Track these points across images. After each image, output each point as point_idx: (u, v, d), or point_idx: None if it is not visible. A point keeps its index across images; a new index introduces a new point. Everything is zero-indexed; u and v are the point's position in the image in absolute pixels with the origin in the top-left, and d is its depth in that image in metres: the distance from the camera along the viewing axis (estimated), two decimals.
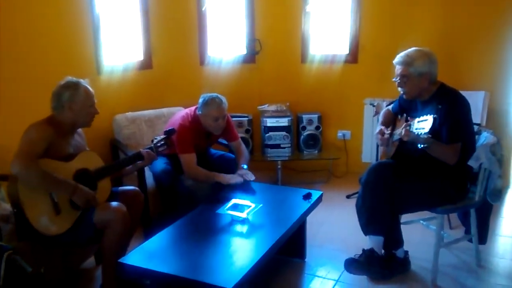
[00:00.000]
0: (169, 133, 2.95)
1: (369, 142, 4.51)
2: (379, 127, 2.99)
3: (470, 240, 2.97)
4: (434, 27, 4.16)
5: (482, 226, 2.96)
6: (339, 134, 4.70)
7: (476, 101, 3.77)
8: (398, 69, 2.73)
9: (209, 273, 2.20)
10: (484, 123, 3.83)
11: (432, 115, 2.34)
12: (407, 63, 2.67)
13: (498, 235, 3.42)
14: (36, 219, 2.35)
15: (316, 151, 4.51)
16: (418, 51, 2.70)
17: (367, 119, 4.49)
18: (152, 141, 2.87)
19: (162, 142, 2.87)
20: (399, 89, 2.78)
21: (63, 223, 2.43)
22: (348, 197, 4.12)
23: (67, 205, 2.45)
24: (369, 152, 4.53)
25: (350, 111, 4.61)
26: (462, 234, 3.17)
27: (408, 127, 2.47)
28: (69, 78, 2.56)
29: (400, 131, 2.56)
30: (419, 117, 2.47)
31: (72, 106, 2.51)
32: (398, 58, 2.74)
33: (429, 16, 4.19)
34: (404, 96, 2.81)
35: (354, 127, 4.63)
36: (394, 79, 2.78)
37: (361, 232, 2.84)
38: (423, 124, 2.37)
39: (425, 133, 2.35)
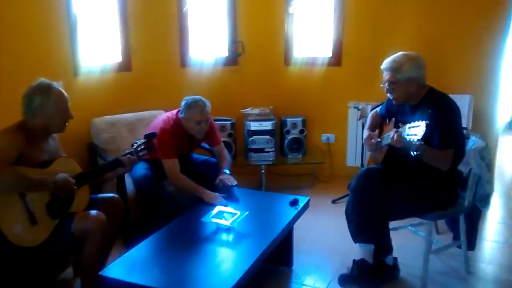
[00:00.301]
0: (149, 136, 2.82)
1: (353, 145, 4.46)
2: (366, 132, 2.92)
3: (459, 246, 2.93)
4: (418, 30, 4.13)
5: (471, 232, 2.93)
6: (323, 137, 4.64)
7: (462, 104, 3.72)
8: (386, 75, 2.67)
9: (195, 286, 2.10)
10: (470, 127, 3.81)
11: (424, 121, 2.28)
12: (395, 68, 2.61)
13: (484, 239, 3.40)
14: (10, 230, 2.21)
15: (300, 155, 4.43)
16: (405, 55, 2.64)
17: (351, 123, 4.44)
18: (132, 145, 2.75)
19: (143, 147, 2.74)
20: (388, 94, 2.72)
21: (40, 234, 2.29)
22: (333, 202, 4.06)
23: (44, 215, 2.31)
24: (353, 156, 4.47)
25: (334, 115, 4.55)
26: (449, 240, 3.14)
27: (399, 133, 2.41)
28: (41, 80, 2.41)
29: (390, 136, 2.49)
30: (409, 122, 2.42)
31: (43, 113, 2.36)
32: (385, 64, 2.68)
33: (414, 19, 4.16)
34: (394, 102, 2.75)
35: (338, 130, 4.57)
36: (382, 85, 2.72)
37: (349, 238, 2.76)
38: (415, 130, 2.31)
39: (417, 140, 2.29)
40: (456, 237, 2.99)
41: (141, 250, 2.37)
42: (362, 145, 4.23)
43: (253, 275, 2.25)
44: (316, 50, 4.55)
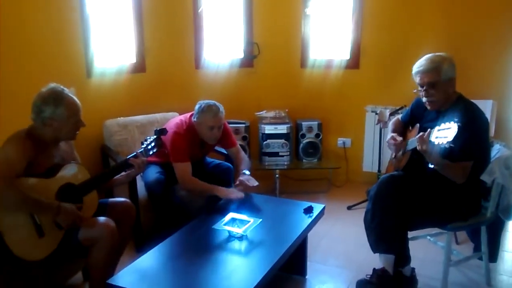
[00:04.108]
0: (160, 132, 2.70)
1: (370, 150, 4.36)
2: (390, 134, 2.80)
3: (480, 258, 2.82)
4: (439, 34, 4.01)
5: (493, 244, 2.81)
6: (339, 141, 4.54)
7: (484, 110, 3.59)
8: (423, 77, 2.49)
9: None
10: (492, 134, 3.67)
11: (456, 123, 2.13)
12: (435, 69, 2.45)
13: (505, 251, 3.27)
14: (17, 244, 2.15)
15: (316, 160, 4.35)
16: (438, 56, 2.51)
17: (369, 127, 4.34)
18: (142, 143, 2.66)
19: (153, 144, 2.64)
20: (424, 99, 2.56)
21: (47, 246, 2.23)
22: (349, 208, 3.96)
23: (51, 226, 2.24)
24: (370, 161, 4.37)
25: (351, 118, 4.46)
26: (469, 250, 3.03)
27: (426, 136, 2.27)
28: (52, 86, 2.32)
29: (415, 139, 2.37)
30: (435, 126, 2.28)
31: (54, 124, 2.29)
32: (420, 67, 2.50)
33: (435, 22, 4.04)
34: (429, 107, 2.58)
35: (355, 134, 4.47)
36: (415, 91, 2.57)
37: (365, 247, 2.67)
38: (445, 132, 2.16)
39: (447, 143, 2.14)
40: (477, 248, 2.88)
41: (150, 258, 2.31)
42: (380, 150, 4.13)
43: (266, 285, 2.18)
44: (333, 52, 4.46)
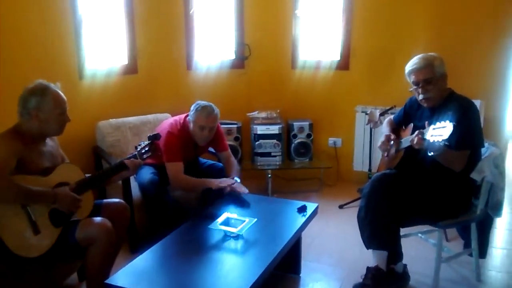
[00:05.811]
0: (153, 138, 2.72)
1: (360, 150, 4.41)
2: (385, 134, 2.84)
3: (470, 254, 2.88)
4: (427, 35, 4.07)
5: (482, 240, 2.86)
6: (330, 141, 4.59)
7: None
8: (418, 75, 2.57)
9: None
10: None
11: (451, 122, 2.19)
12: (428, 66, 2.54)
13: (493, 247, 3.34)
14: (13, 241, 2.16)
15: (307, 160, 4.39)
16: (428, 54, 2.59)
17: (359, 127, 4.39)
18: (136, 147, 2.69)
19: (147, 148, 2.67)
20: (421, 97, 2.62)
21: (43, 243, 2.24)
22: (341, 207, 4.00)
23: (47, 223, 2.26)
24: (360, 160, 4.42)
25: (341, 119, 4.51)
26: (459, 247, 3.09)
27: (421, 135, 2.34)
28: (39, 81, 2.35)
29: (410, 138, 2.42)
30: (430, 124, 2.34)
31: (39, 115, 2.30)
32: (413, 65, 2.59)
33: (423, 24, 4.10)
34: (426, 104, 2.64)
35: (345, 134, 4.52)
36: (411, 89, 2.65)
37: (357, 245, 2.72)
38: (441, 131, 2.21)
39: (443, 141, 2.20)
40: (467, 245, 2.94)
41: (147, 258, 2.33)
42: (370, 150, 4.18)
43: (262, 283, 2.21)
44: (324, 53, 4.50)
